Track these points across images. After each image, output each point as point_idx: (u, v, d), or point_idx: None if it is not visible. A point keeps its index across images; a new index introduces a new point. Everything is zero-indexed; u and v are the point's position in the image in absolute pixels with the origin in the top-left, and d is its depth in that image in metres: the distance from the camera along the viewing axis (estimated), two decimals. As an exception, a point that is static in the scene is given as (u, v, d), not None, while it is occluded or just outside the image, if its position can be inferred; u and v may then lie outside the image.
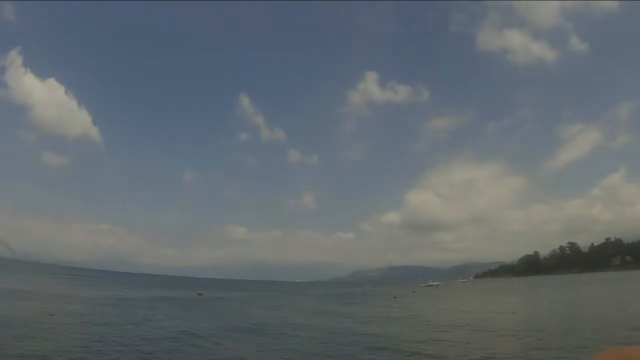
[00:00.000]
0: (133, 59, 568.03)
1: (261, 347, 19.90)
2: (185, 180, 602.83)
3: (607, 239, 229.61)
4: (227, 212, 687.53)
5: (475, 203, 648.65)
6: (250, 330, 26.03)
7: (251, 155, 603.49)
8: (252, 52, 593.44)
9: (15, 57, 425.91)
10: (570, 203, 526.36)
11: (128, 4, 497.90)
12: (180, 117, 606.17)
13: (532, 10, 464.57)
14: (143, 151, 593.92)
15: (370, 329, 27.13)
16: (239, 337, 23.06)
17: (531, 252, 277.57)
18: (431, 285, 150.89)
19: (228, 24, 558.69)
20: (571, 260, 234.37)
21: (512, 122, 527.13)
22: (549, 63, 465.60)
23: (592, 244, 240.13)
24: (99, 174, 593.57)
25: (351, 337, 22.88)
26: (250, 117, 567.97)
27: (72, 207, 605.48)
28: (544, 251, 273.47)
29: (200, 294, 67.61)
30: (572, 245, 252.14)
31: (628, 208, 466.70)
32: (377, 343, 20.69)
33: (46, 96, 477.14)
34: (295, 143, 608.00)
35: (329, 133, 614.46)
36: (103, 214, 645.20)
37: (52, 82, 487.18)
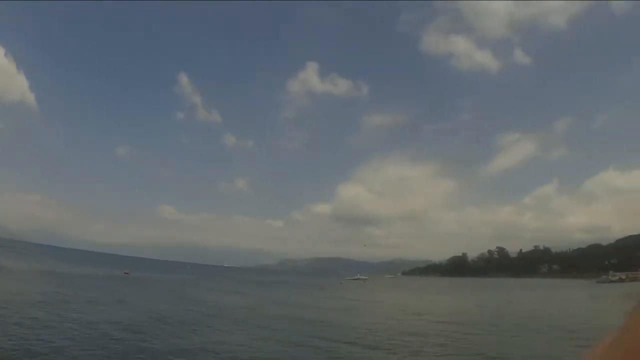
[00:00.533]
0: (74, 29, 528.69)
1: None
2: (118, 155, 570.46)
3: (536, 246, 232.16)
4: (158, 191, 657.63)
5: (408, 201, 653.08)
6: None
7: (186, 135, 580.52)
8: (194, 32, 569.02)
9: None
10: (502, 209, 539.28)
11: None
12: (118, 92, 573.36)
13: (480, 18, 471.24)
14: (78, 123, 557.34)
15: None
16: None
17: (460, 254, 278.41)
18: (358, 279, 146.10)
19: (173, 2, 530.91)
20: (499, 264, 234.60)
21: (451, 125, 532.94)
22: (491, 72, 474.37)
23: (521, 250, 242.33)
24: (32, 143, 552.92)
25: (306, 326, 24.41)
26: (188, 97, 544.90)
27: (3, 175, 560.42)
28: (473, 254, 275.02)
29: (127, 274, 65.86)
30: (501, 250, 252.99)
31: (558, 219, 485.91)
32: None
33: None
34: (232, 127, 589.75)
35: (266, 119, 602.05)
36: (33, 183, 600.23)
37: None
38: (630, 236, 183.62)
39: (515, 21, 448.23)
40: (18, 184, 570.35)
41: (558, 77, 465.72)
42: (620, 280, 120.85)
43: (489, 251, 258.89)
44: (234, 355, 15.92)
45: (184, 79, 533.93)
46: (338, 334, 21.55)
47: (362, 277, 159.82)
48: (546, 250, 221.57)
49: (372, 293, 67.74)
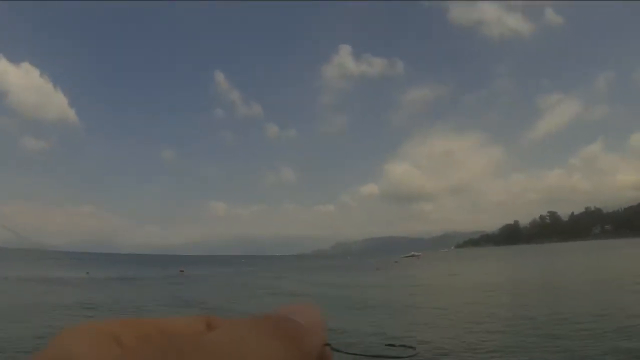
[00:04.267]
0: (105, 39, 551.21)
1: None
2: (164, 158, 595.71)
3: (587, 208, 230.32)
4: (207, 188, 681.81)
5: (454, 173, 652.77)
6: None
7: (229, 131, 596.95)
8: (225, 30, 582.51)
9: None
10: (550, 173, 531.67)
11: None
12: (157, 96, 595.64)
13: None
14: (120, 131, 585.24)
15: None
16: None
17: (511, 222, 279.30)
18: (413, 256, 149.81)
19: (200, 2, 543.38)
20: (551, 230, 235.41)
21: (490, 92, 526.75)
22: (524, 35, 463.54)
23: (572, 213, 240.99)
24: (78, 156, 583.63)
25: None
26: (226, 94, 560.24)
27: (54, 191, 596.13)
28: (524, 220, 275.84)
29: (181, 272, 64.93)
30: (552, 214, 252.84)
31: (607, 178, 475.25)
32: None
33: (21, 80, 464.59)
34: (273, 118, 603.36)
35: (305, 106, 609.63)
36: (84, 196, 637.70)
37: (26, 65, 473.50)
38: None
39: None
40: (67, 198, 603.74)
41: (592, 34, 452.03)
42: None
43: (541, 216, 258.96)
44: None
45: (220, 76, 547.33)
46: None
47: (416, 253, 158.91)
48: (597, 211, 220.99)
49: (433, 269, 64.36)
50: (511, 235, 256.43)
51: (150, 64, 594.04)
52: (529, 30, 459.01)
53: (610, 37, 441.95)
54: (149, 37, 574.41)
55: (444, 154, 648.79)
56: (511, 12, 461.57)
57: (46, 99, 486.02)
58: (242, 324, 0.54)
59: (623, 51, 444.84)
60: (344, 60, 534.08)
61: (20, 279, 40.73)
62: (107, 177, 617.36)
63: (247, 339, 0.54)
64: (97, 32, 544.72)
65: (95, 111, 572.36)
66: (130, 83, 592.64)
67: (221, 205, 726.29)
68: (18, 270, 53.48)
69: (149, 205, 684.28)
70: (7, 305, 21.07)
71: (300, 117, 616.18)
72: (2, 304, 21.98)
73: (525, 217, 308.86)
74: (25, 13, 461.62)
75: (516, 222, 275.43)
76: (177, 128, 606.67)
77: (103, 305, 23.00)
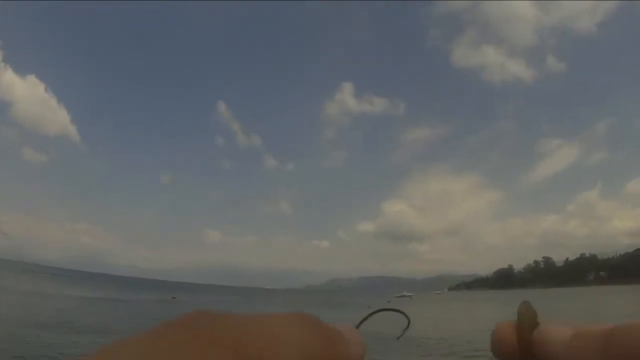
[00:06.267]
0: (112, 60, 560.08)
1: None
2: (162, 182, 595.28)
3: (582, 254, 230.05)
4: (202, 216, 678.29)
5: (451, 215, 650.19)
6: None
7: (227, 160, 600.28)
8: (228, 60, 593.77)
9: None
10: (547, 218, 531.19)
11: (110, 4, 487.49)
12: (158, 121, 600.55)
13: (508, 27, 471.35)
14: (120, 152, 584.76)
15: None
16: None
17: (505, 266, 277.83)
18: (404, 296, 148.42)
19: (207, 30, 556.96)
20: (546, 275, 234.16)
21: (490, 135, 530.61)
22: (526, 80, 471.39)
23: (567, 258, 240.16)
24: (77, 173, 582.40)
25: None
26: (227, 123, 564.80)
27: (50, 205, 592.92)
28: (519, 265, 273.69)
29: (174, 298, 66.30)
30: (547, 259, 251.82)
31: (603, 224, 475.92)
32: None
33: (26, 93, 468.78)
34: (272, 150, 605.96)
35: (305, 141, 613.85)
36: (80, 213, 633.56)
37: (32, 78, 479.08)
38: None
39: (543, 27, 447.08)
40: (64, 213, 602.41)
41: (594, 80, 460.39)
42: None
43: (535, 261, 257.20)
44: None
45: (222, 106, 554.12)
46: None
47: (407, 293, 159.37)
48: (592, 257, 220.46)
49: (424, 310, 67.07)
50: (505, 279, 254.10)
51: (156, 89, 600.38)
52: (531, 75, 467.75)
53: (609, 83, 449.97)
54: (156, 62, 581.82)
55: (441, 195, 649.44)
56: (513, 57, 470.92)
57: (50, 113, 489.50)
58: (280, 315, 0.54)
59: (624, 98, 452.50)
60: (346, 98, 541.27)
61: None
62: (104, 196, 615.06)
63: (286, 324, 0.54)
64: (105, 52, 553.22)
65: (97, 130, 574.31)
66: (134, 105, 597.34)
67: (214, 234, 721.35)
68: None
69: (144, 227, 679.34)
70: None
71: (299, 151, 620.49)
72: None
73: (519, 262, 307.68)
74: (35, 28, 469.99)
75: (510, 266, 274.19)
76: (177, 153, 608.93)
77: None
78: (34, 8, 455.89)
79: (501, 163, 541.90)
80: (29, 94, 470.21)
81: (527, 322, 0.59)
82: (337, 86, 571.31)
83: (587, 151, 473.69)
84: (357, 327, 0.61)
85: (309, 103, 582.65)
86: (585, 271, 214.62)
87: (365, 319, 0.61)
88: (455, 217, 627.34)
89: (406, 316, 0.64)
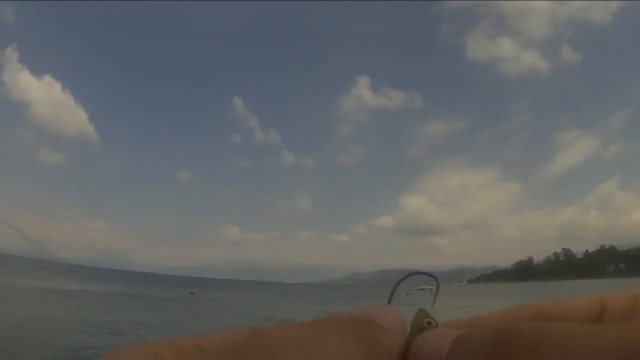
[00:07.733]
0: (128, 59, 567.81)
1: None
2: (179, 180, 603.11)
3: (602, 246, 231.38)
4: (221, 213, 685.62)
5: (469, 208, 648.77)
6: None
7: (245, 156, 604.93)
8: (244, 56, 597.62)
9: (11, 54, 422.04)
10: (566, 210, 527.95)
11: (125, 3, 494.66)
12: (175, 118, 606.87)
13: (522, 19, 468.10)
14: (138, 150, 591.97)
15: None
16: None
17: (525, 258, 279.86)
18: (424, 289, 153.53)
19: (222, 26, 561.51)
20: (565, 267, 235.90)
21: (508, 128, 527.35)
22: (542, 72, 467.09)
23: (587, 250, 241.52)
24: (95, 172, 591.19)
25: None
26: (244, 120, 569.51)
27: (68, 205, 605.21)
28: (538, 257, 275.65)
29: (193, 294, 63.14)
30: (567, 251, 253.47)
31: (622, 216, 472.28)
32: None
33: (43, 94, 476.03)
34: (289, 145, 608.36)
35: (323, 136, 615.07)
36: (99, 212, 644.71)
37: (48, 79, 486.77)
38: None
39: (558, 18, 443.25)
40: (83, 212, 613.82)
41: (610, 71, 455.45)
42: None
43: (555, 253, 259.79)
44: None
45: (238, 102, 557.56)
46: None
47: (427, 287, 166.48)
48: (612, 249, 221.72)
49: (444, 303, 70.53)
50: (524, 271, 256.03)
51: (172, 86, 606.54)
52: (546, 67, 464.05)
53: (626, 73, 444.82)
54: (172, 60, 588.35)
55: (460, 188, 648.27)
56: (528, 49, 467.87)
57: (67, 113, 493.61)
58: (323, 325, 0.55)
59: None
60: (362, 92, 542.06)
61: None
62: (122, 195, 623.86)
63: (328, 340, 0.55)
64: (120, 51, 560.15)
65: (114, 128, 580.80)
66: (150, 103, 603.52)
67: (234, 230, 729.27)
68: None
69: (162, 225, 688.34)
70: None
71: (317, 147, 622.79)
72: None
73: (539, 254, 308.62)
74: (49, 28, 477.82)
75: (530, 258, 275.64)
76: (194, 150, 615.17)
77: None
78: (48, 9, 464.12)
79: (518, 155, 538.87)
80: (46, 94, 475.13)
81: (417, 331, 0.45)
82: (353, 80, 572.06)
83: (604, 143, 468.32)
84: (389, 302, 0.49)
85: (325, 97, 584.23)
86: (604, 263, 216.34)
87: (393, 290, 0.52)
88: (474, 210, 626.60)
89: (435, 279, 0.57)
